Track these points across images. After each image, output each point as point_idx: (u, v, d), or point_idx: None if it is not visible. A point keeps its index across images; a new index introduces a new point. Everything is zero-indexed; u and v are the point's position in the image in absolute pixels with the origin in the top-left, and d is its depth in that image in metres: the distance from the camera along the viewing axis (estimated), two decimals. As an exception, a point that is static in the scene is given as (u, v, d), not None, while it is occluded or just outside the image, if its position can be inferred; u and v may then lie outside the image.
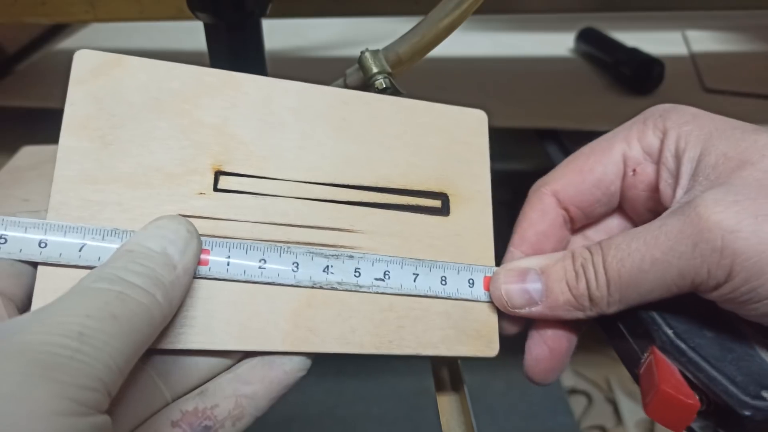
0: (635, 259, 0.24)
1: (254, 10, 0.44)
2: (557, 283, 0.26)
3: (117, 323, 0.19)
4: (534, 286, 0.27)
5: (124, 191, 0.25)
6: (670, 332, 0.25)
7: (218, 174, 0.27)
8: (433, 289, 0.28)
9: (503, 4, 0.74)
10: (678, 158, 0.26)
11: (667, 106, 0.28)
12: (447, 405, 0.32)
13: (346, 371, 0.82)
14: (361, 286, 0.27)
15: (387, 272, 0.27)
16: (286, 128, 0.28)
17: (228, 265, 0.25)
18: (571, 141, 0.65)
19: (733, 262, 0.22)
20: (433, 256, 0.29)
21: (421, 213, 0.30)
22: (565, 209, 0.29)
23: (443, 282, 0.28)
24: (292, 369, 0.26)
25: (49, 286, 0.23)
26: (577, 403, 0.83)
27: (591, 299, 0.25)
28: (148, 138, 0.26)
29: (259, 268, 0.26)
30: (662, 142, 0.27)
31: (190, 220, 0.25)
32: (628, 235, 0.25)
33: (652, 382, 0.24)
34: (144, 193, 0.25)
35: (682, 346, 0.24)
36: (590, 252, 0.26)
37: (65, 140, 0.25)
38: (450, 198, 0.30)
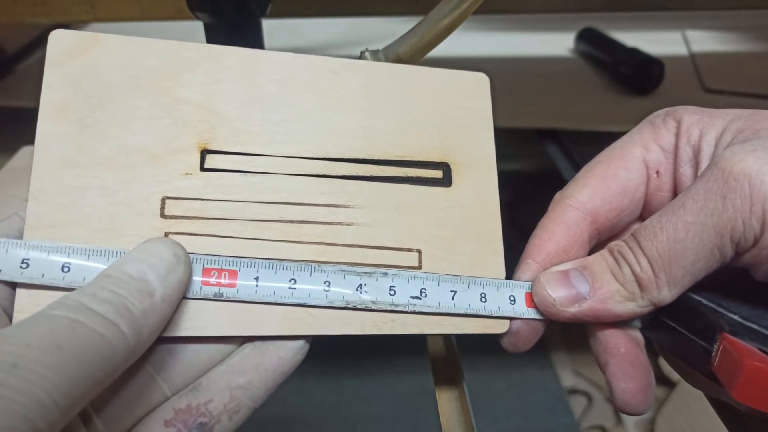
0: (669, 231, 0.24)
1: (254, 10, 0.44)
2: (602, 274, 0.26)
3: (60, 354, 0.18)
4: (579, 282, 0.26)
5: (106, 174, 0.24)
6: (735, 317, 0.24)
7: (204, 153, 0.26)
8: (473, 306, 0.26)
9: (503, 4, 0.74)
10: (696, 146, 0.26)
11: (668, 108, 0.28)
12: (447, 405, 0.32)
13: (346, 371, 0.82)
14: (397, 305, 0.25)
15: (423, 290, 0.26)
16: (273, 101, 0.27)
17: (257, 287, 0.24)
18: (571, 141, 0.65)
19: (765, 206, 0.22)
20: (435, 229, 0.28)
21: (421, 185, 0.28)
22: (593, 221, 0.28)
23: (483, 299, 0.27)
24: (287, 355, 0.25)
25: (29, 309, 0.22)
26: (577, 403, 0.83)
27: (639, 284, 0.25)
28: (128, 118, 0.25)
29: (290, 288, 0.24)
30: (677, 136, 0.27)
31: (178, 201, 0.24)
32: (656, 215, 0.25)
33: (734, 364, 0.22)
34: (127, 176, 0.24)
35: (754, 326, 0.23)
36: (624, 241, 0.26)
37: (43, 125, 0.24)
38: (452, 167, 0.29)
